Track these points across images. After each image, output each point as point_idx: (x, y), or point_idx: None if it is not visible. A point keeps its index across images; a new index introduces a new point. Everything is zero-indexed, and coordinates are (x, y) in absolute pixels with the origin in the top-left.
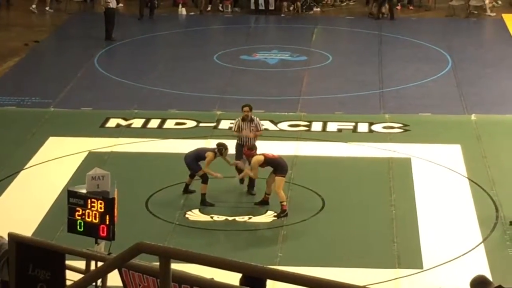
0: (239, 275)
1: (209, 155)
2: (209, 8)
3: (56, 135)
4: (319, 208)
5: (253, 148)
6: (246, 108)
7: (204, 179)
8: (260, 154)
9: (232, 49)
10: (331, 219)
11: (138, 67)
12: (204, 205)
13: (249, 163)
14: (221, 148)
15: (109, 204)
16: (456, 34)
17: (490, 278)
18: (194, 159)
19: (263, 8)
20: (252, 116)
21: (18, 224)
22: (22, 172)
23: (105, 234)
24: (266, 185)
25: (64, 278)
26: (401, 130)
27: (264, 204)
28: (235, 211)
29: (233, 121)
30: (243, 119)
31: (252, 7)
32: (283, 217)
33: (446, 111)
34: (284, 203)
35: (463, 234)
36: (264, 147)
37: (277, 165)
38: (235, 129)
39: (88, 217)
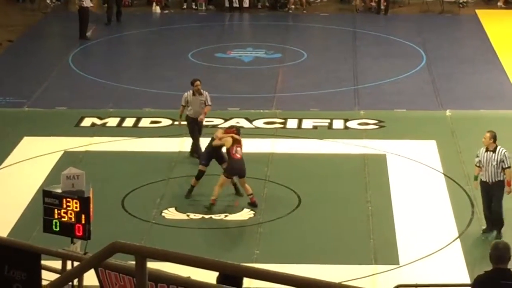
0: (216, 274)
1: (227, 139)
2: (184, 6)
3: (31, 135)
4: (295, 205)
5: (234, 128)
6: (198, 82)
7: (199, 175)
8: (233, 139)
9: (206, 47)
10: (307, 216)
11: (112, 66)
12: (187, 195)
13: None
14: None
15: (85, 203)
16: (431, 30)
17: (467, 273)
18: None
19: (237, 5)
20: (202, 90)
21: None
22: None
23: (81, 234)
24: (243, 188)
25: (40, 279)
26: (376, 127)
27: (253, 206)
28: (211, 209)
29: (210, 119)
30: (193, 93)
31: (227, 4)
32: (208, 209)
33: (421, 107)
34: (213, 198)
35: (439, 230)
36: None
37: (228, 163)
38: (184, 103)
39: (64, 217)
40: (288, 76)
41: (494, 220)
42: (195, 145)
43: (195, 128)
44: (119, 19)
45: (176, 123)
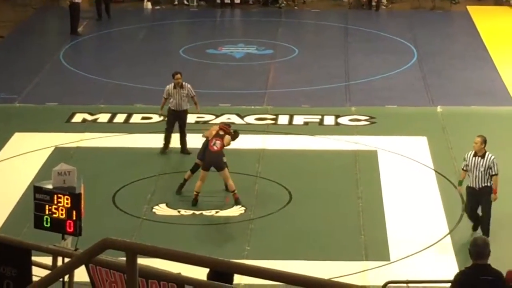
0: (207, 270)
1: (211, 132)
2: (176, 2)
3: (22, 131)
4: (286, 201)
5: (229, 125)
6: (178, 75)
7: (194, 168)
8: (217, 132)
9: (198, 43)
10: (298, 212)
11: (103, 62)
12: (178, 191)
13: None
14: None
15: (76, 199)
16: (422, 26)
17: (457, 269)
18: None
19: (229, 1)
20: (183, 83)
21: None
22: None
23: (71, 230)
24: (227, 184)
25: (30, 275)
26: (368, 123)
27: (236, 203)
28: (202, 205)
29: (201, 115)
30: (174, 86)
31: (218, 0)
32: (193, 205)
33: (412, 103)
34: (195, 193)
35: (430, 226)
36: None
37: (205, 155)
38: (166, 95)
39: (55, 213)
40: (280, 72)
41: (482, 226)
42: (167, 137)
43: (173, 121)
44: (109, 14)
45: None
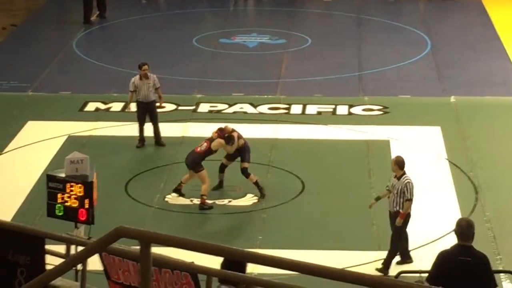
0: (220, 259)
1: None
2: None
3: (35, 119)
4: (299, 191)
5: (222, 130)
6: (146, 67)
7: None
8: (212, 136)
9: (211, 32)
10: (311, 202)
11: (116, 51)
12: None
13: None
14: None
15: (88, 188)
16: (435, 16)
17: None
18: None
19: None
20: (148, 74)
21: None
22: (0, 157)
23: (84, 218)
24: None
25: (44, 263)
26: (381, 113)
27: (201, 208)
28: (214, 195)
29: (214, 104)
30: (140, 78)
31: None
32: (173, 191)
33: (426, 93)
34: (181, 184)
35: (443, 216)
36: (244, 130)
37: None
38: (132, 88)
39: (67, 201)
40: (293, 62)
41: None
42: (141, 130)
43: (144, 113)
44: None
45: (181, 107)
